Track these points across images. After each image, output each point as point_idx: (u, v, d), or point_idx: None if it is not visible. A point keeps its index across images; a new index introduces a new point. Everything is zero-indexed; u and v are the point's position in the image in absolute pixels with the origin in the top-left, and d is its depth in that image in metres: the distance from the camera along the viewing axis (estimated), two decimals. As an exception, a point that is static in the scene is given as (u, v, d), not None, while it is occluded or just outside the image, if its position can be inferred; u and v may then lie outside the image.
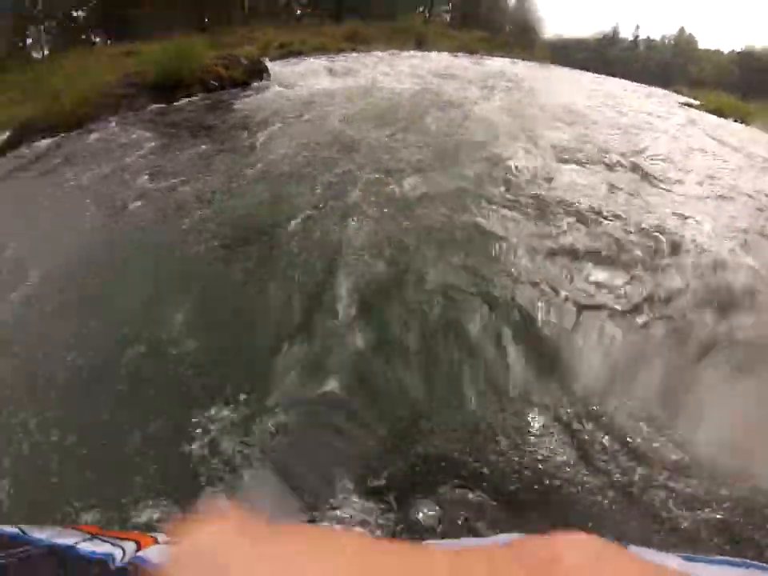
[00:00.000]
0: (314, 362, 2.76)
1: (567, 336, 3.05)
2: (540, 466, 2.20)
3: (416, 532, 1.83)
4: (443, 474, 2.12)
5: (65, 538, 0.46)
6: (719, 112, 16.35)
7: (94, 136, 6.91)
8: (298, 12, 29.80)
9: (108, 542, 0.47)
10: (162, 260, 3.76)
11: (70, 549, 0.45)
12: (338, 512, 1.89)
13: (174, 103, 8.44)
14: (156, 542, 0.50)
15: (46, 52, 21.36)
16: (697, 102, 18.31)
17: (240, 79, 9.55)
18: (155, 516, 1.91)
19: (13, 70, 13.90)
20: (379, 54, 18.23)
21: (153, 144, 6.31)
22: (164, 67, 8.44)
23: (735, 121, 15.62)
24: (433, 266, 3.60)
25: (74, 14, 22.85)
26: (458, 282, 3.44)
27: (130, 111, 7.72)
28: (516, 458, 2.22)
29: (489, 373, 2.76)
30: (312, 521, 1.76)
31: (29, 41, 21.15)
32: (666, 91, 22.95)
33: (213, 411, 2.39)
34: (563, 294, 3.37)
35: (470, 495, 2.03)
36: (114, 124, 7.30)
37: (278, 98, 8.84)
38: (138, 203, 4.68)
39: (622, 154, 6.70)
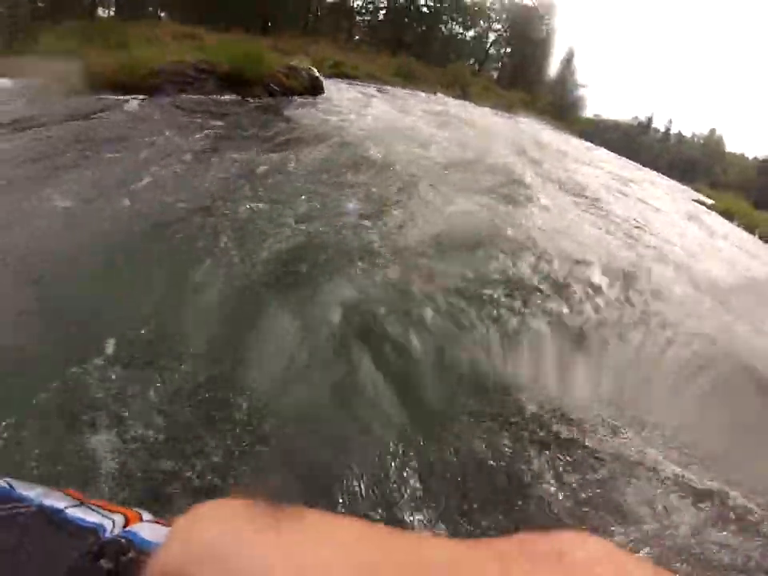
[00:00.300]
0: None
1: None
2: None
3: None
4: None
5: (53, 500, 0.46)
6: (728, 214, 17.16)
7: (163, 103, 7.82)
8: (357, 37, 31.17)
9: (96, 511, 0.47)
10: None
11: (60, 512, 0.45)
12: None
13: (239, 98, 9.29)
14: (141, 519, 0.50)
15: (112, 12, 22.67)
16: (710, 202, 19.16)
17: (298, 90, 10.40)
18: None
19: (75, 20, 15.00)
20: (423, 95, 19.22)
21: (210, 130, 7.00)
22: (237, 64, 9.33)
23: (738, 226, 16.35)
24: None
25: None
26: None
27: (196, 94, 8.64)
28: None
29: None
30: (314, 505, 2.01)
31: None
32: (686, 187, 23.89)
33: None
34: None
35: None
36: (182, 99, 8.27)
37: (327, 113, 9.52)
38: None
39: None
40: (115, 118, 6.89)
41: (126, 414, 2.28)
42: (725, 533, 2.32)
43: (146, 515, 0.51)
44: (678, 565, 2.06)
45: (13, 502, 0.43)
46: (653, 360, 3.86)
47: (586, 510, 2.29)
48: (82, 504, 0.48)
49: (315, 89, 11.16)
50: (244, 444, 2.25)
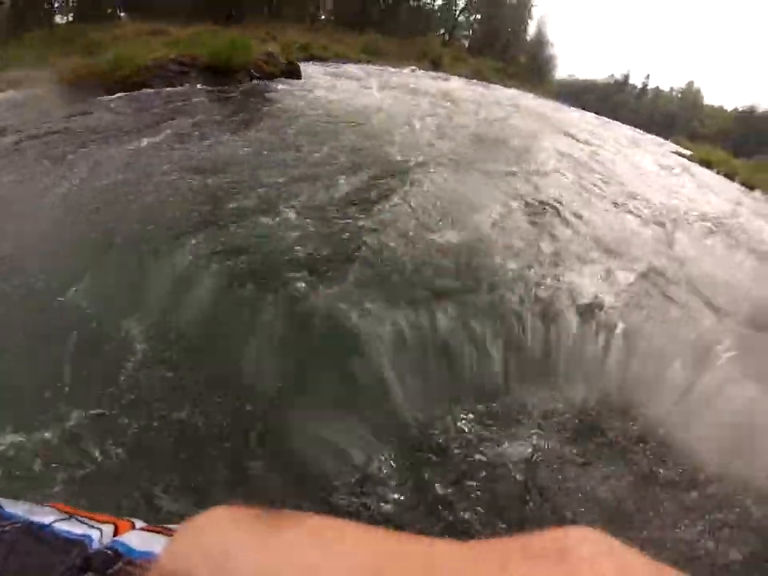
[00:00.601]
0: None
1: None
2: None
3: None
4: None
5: (40, 515, 0.46)
6: (707, 164, 17.25)
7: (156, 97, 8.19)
8: (323, 17, 30.67)
9: (84, 523, 0.47)
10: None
11: (46, 527, 0.45)
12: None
13: (218, 87, 9.62)
14: (133, 526, 0.50)
15: (70, 18, 22.26)
16: (689, 153, 19.19)
17: (277, 75, 10.96)
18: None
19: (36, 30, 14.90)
20: (392, 69, 19.06)
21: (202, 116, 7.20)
22: (218, 55, 9.82)
23: (718, 173, 16.47)
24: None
25: None
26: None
27: (181, 86, 9.09)
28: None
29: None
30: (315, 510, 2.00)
31: (56, 4, 21.93)
32: (664, 140, 23.90)
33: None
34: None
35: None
36: (171, 92, 8.66)
37: (299, 95, 9.88)
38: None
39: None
40: (108, 115, 7.09)
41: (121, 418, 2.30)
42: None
43: (139, 523, 0.51)
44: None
45: (1, 521, 0.43)
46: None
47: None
48: (70, 517, 0.48)
49: (292, 73, 11.63)
50: (246, 450, 2.26)
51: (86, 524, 0.47)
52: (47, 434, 2.20)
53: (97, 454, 2.15)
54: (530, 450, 2.53)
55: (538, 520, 2.18)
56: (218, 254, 3.57)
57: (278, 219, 4.08)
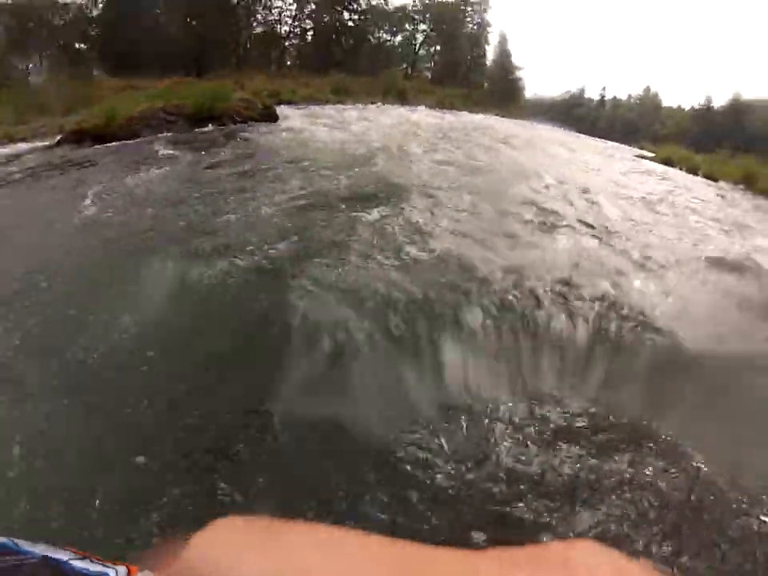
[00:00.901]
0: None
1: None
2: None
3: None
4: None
5: (56, 553, 0.47)
6: (669, 162, 18.01)
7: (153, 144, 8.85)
8: (288, 62, 31.76)
9: (99, 564, 0.48)
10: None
11: (64, 563, 0.45)
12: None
13: (204, 129, 10.74)
14: (143, 571, 0.50)
15: (44, 77, 23.03)
16: (650, 154, 20.05)
17: (255, 118, 12.01)
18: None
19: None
20: (361, 105, 19.90)
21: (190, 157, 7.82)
22: (201, 103, 10.85)
23: (680, 169, 17.23)
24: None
25: (76, 45, 24.79)
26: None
27: (170, 132, 10.05)
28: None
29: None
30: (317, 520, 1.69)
31: (30, 65, 22.74)
32: (622, 145, 24.90)
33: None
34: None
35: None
36: (162, 138, 9.52)
37: (280, 132, 10.91)
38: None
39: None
40: (110, 161, 7.70)
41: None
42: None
43: (148, 573, 0.53)
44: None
45: (17, 555, 0.44)
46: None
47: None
48: (84, 558, 0.49)
49: (269, 116, 12.68)
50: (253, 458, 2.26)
51: (101, 564, 0.49)
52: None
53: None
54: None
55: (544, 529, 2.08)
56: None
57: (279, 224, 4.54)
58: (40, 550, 0.47)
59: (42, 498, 1.96)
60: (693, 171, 17.77)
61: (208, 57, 26.46)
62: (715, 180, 17.50)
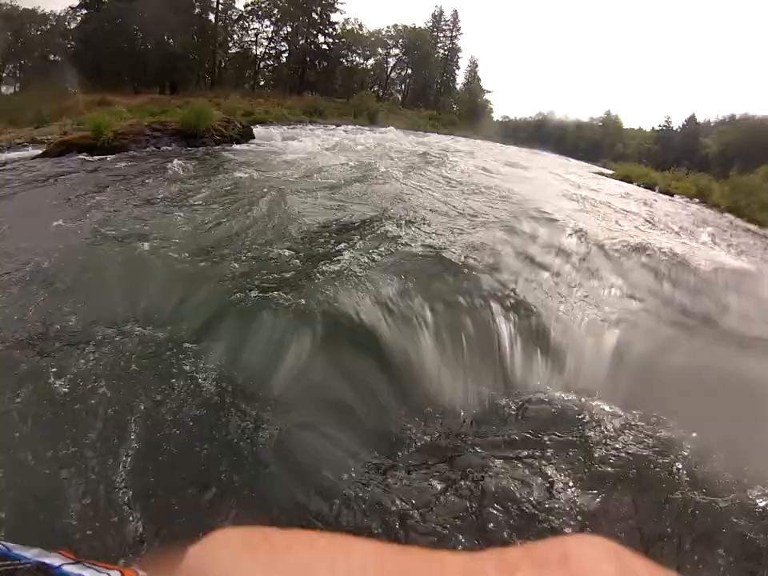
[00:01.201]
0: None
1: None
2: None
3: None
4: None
5: (50, 559, 0.47)
6: (627, 178, 18.99)
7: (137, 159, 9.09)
8: (261, 83, 32.34)
9: (93, 568, 0.48)
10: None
11: (56, 569, 0.45)
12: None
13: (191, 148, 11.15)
14: (137, 575, 0.52)
15: (17, 89, 23.23)
16: (610, 171, 21.03)
17: (235, 137, 12.77)
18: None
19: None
20: (332, 127, 20.43)
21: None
22: (188, 121, 11.44)
23: (639, 186, 18.15)
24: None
25: (51, 57, 24.74)
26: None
27: (156, 148, 10.42)
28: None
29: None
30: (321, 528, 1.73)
31: (3, 74, 22.86)
32: (583, 162, 25.95)
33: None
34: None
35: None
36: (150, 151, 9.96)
37: (257, 150, 11.67)
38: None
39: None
40: (101, 172, 7.71)
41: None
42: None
43: (141, 573, 0.53)
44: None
45: (10, 560, 0.44)
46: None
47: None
48: (77, 562, 0.49)
49: (248, 135, 13.57)
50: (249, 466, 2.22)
51: (95, 569, 0.48)
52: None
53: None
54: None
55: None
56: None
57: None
58: (32, 554, 0.48)
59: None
60: (650, 187, 18.71)
61: (182, 75, 26.82)
62: (671, 194, 18.47)
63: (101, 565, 0.51)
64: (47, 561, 0.47)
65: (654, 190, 18.51)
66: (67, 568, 0.47)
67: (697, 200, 18.65)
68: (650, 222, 8.83)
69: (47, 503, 1.92)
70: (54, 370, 2.74)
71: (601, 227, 6.66)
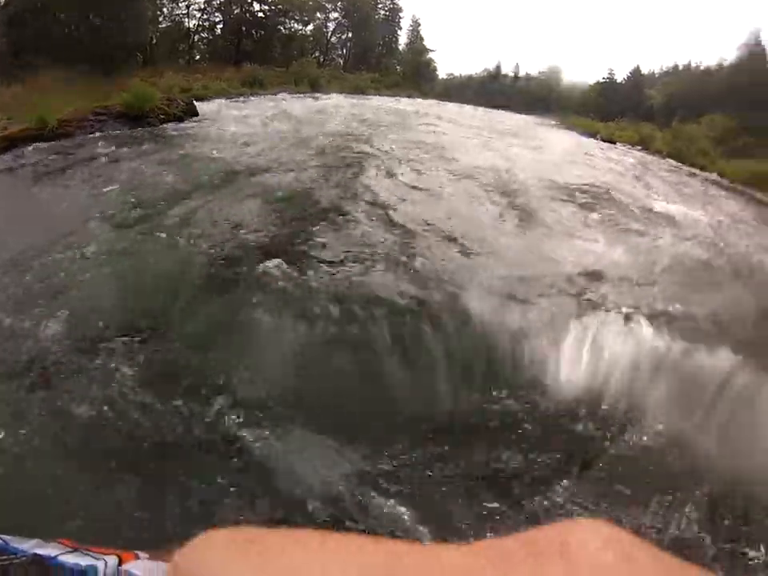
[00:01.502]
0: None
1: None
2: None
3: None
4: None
5: (46, 549, 0.47)
6: (570, 128, 19.45)
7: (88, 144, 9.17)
8: (197, 57, 31.12)
9: (89, 555, 0.48)
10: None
11: (52, 560, 0.45)
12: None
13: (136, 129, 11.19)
14: (137, 557, 0.51)
15: None
16: (554, 122, 21.43)
17: (179, 114, 12.94)
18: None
19: None
20: (272, 96, 20.01)
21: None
22: (131, 103, 11.52)
23: (582, 134, 18.56)
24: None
25: None
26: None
27: (101, 132, 10.40)
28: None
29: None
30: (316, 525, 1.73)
31: None
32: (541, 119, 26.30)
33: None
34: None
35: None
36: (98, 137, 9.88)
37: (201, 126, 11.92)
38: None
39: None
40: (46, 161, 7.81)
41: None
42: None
43: (142, 554, 0.53)
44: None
45: (7, 555, 0.44)
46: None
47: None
48: (75, 550, 0.49)
49: (191, 111, 13.75)
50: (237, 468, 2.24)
51: (91, 556, 0.49)
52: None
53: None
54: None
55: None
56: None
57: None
58: (30, 546, 0.48)
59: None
60: (592, 135, 19.07)
61: (113, 54, 25.53)
62: (613, 142, 18.88)
63: (98, 551, 0.51)
64: (43, 552, 0.47)
65: (596, 139, 18.90)
66: (63, 558, 0.47)
67: (639, 147, 19.13)
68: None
69: (37, 502, 1.96)
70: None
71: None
